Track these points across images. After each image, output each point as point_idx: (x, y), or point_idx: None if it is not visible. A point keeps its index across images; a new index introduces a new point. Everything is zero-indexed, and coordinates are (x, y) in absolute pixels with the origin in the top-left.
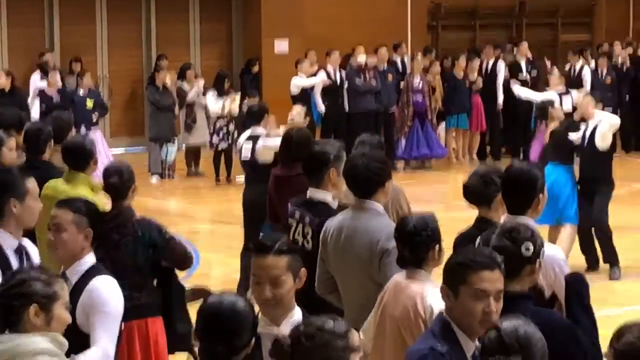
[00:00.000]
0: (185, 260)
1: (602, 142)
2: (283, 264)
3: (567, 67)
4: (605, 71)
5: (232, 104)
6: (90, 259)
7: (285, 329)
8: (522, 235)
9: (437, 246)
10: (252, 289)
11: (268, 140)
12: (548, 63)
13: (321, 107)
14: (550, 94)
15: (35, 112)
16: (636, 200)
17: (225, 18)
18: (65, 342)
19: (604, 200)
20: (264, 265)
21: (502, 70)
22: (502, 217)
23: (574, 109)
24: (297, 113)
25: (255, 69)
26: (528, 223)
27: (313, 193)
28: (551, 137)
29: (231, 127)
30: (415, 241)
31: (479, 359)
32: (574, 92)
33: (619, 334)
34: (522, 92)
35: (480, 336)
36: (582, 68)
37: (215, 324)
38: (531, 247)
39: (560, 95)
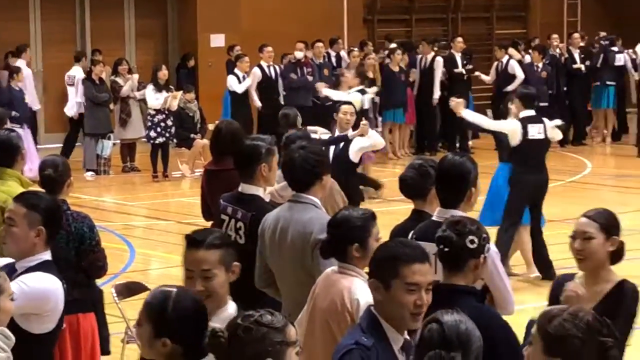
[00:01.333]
0: (100, 270)
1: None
2: (214, 258)
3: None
4: (540, 65)
5: (174, 99)
6: (43, 256)
7: (217, 322)
8: (467, 228)
9: (362, 242)
10: (184, 283)
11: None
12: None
13: (257, 103)
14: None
15: None
16: (571, 194)
17: (160, 13)
18: (12, 337)
19: None
20: (195, 259)
21: (440, 66)
22: (435, 210)
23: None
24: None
25: (191, 63)
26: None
27: (244, 188)
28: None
29: (169, 122)
30: (338, 235)
31: (417, 352)
32: (370, 90)
33: (549, 318)
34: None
35: (418, 329)
36: (507, 62)
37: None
38: (476, 241)
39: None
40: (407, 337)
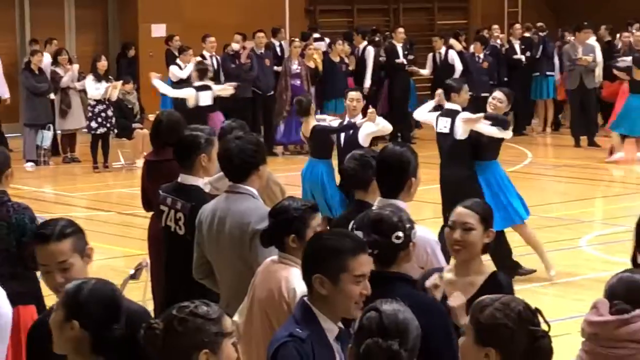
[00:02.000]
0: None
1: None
2: (67, 247)
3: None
4: (481, 56)
5: (114, 90)
6: None
7: None
8: (390, 225)
9: (298, 233)
10: (44, 279)
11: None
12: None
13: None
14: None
15: None
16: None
17: (101, 3)
18: None
19: None
20: (48, 253)
21: (370, 56)
22: (376, 200)
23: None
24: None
25: (131, 53)
26: (399, 206)
27: (184, 179)
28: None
29: (109, 112)
30: (277, 224)
31: (355, 340)
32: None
33: (481, 308)
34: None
35: (355, 318)
36: (447, 52)
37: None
38: (401, 235)
39: (197, 89)
40: (342, 326)
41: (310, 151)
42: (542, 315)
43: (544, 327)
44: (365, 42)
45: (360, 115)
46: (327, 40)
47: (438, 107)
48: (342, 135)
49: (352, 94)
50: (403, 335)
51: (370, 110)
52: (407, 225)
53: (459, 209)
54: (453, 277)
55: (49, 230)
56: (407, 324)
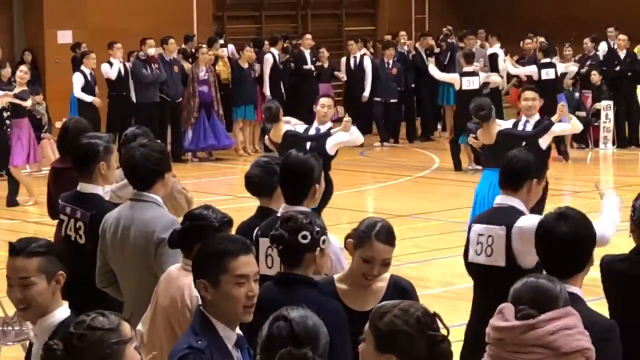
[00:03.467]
0: None
1: None
2: (33, 265)
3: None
4: (391, 62)
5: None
6: None
7: (38, 331)
8: (299, 223)
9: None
10: (7, 292)
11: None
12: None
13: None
14: None
15: None
16: (418, 189)
17: (5, 8)
18: None
19: None
20: (14, 267)
21: (268, 63)
22: (281, 207)
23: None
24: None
25: (28, 58)
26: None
27: (83, 187)
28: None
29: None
30: (190, 229)
31: (264, 350)
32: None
33: (380, 314)
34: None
35: (246, 321)
36: (362, 57)
37: None
38: (309, 235)
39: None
40: (240, 332)
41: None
42: (441, 320)
43: (443, 331)
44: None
45: (329, 123)
46: (231, 46)
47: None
48: (308, 143)
49: (324, 100)
50: (314, 342)
51: (347, 118)
52: (317, 229)
53: (382, 246)
54: (347, 287)
55: (21, 245)
56: (317, 330)
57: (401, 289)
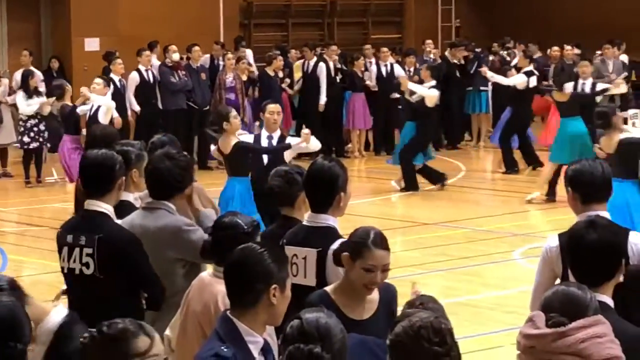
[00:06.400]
0: None
1: None
2: None
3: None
4: (413, 69)
5: (45, 105)
6: None
7: (40, 332)
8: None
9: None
10: None
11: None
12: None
13: (136, 106)
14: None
15: None
16: (446, 197)
17: (33, 17)
18: None
19: None
20: None
21: (323, 72)
22: (306, 215)
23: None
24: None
25: (55, 65)
26: (329, 222)
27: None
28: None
29: (42, 126)
30: (223, 238)
31: (281, 348)
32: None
33: (395, 322)
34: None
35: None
36: (392, 66)
37: None
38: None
39: None
40: (266, 337)
41: (230, 170)
42: (451, 334)
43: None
44: (316, 58)
45: (278, 131)
46: (249, 51)
47: None
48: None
49: (272, 107)
50: (325, 339)
51: (305, 131)
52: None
53: (380, 252)
54: (344, 299)
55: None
56: (329, 328)
57: (390, 294)
